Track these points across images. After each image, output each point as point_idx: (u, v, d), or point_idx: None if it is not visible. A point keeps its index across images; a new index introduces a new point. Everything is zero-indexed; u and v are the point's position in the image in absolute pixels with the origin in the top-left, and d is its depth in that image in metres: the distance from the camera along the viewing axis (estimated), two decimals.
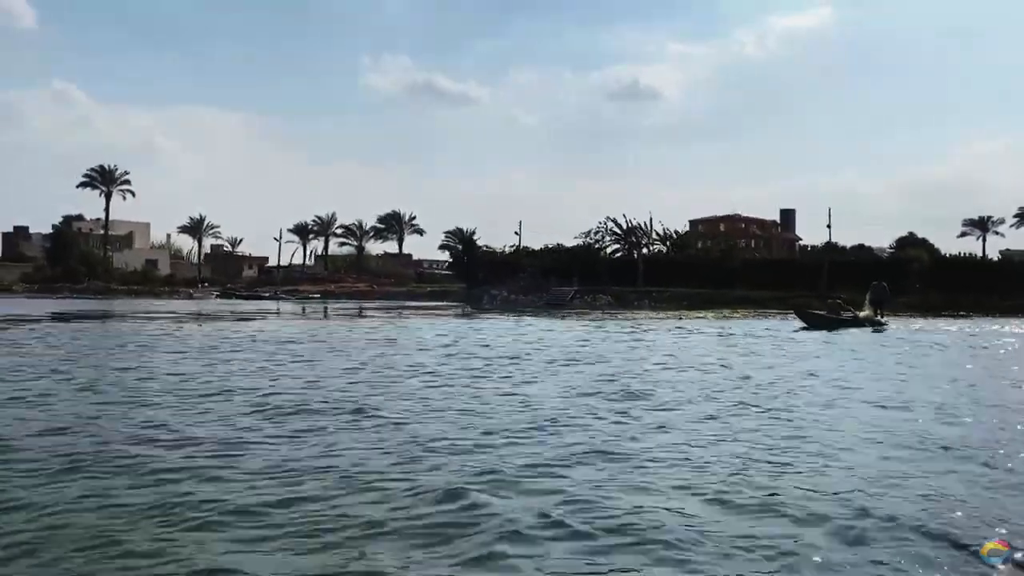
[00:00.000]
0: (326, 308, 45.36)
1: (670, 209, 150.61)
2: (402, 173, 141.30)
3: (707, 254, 65.37)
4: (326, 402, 8.68)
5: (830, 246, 71.54)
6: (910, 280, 53.35)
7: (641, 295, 56.13)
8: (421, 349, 16.17)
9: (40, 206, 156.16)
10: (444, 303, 54.26)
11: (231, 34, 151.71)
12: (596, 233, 63.67)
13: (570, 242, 67.22)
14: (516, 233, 67.24)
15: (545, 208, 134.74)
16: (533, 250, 67.40)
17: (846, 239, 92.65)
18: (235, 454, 6.07)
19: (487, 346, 16.69)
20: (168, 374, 11.18)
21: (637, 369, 12.74)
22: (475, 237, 77.91)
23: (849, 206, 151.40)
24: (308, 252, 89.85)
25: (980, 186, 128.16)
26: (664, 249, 67.40)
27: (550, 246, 66.66)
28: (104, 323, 25.23)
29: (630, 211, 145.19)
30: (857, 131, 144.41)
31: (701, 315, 35.86)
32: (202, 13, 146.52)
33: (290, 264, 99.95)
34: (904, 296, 47.90)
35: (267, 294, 65.49)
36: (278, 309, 42.31)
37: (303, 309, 43.64)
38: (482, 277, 63.76)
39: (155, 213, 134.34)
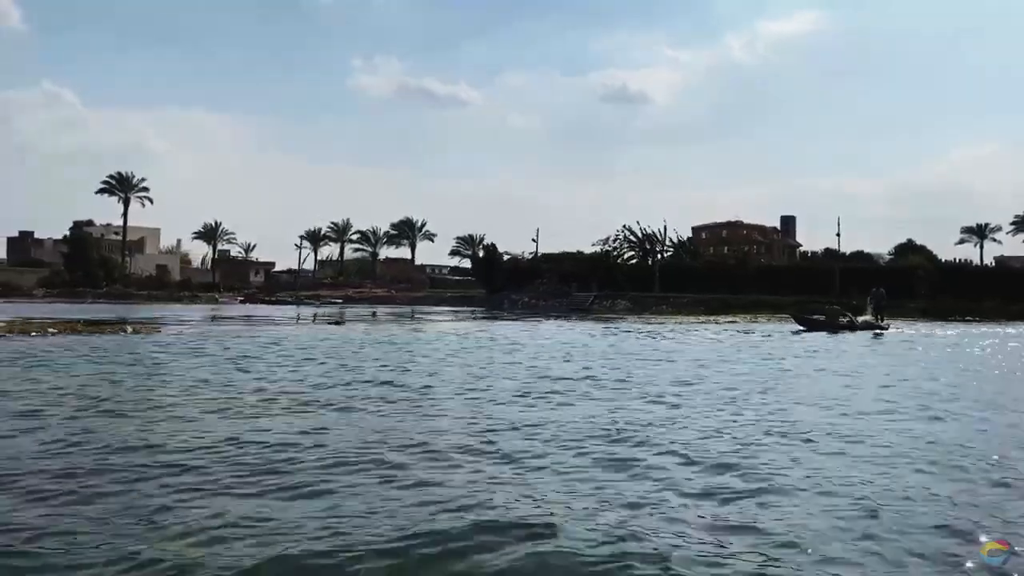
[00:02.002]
0: (416, 313, 46.88)
1: (664, 212, 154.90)
2: (398, 176, 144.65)
3: (722, 260, 68.79)
4: None
5: (838, 254, 75.31)
6: (917, 286, 56.56)
7: (659, 300, 59.23)
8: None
9: (37, 210, 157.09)
10: (478, 308, 56.83)
11: (222, 36, 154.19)
12: (614, 241, 67.14)
13: (574, 245, 70.92)
14: (533, 240, 70.72)
15: (543, 211, 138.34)
16: (551, 255, 70.67)
17: (831, 242, 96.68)
18: None
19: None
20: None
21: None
22: (485, 242, 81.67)
23: (841, 210, 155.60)
24: (315, 258, 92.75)
25: (972, 190, 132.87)
26: (681, 256, 70.87)
27: (570, 252, 70.10)
28: (250, 325, 27.77)
29: (625, 213, 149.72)
30: (848, 135, 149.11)
31: (732, 319, 39.01)
32: (191, 16, 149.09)
33: (301, 269, 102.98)
34: (913, 302, 51.49)
35: (290, 299, 68.06)
36: (372, 314, 42.63)
37: (374, 314, 43.60)
38: (502, 283, 66.78)
39: (147, 217, 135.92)
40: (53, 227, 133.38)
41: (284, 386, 10.65)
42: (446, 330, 26.79)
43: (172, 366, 13.05)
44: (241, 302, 68.37)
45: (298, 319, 33.90)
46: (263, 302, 66.71)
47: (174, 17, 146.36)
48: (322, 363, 13.97)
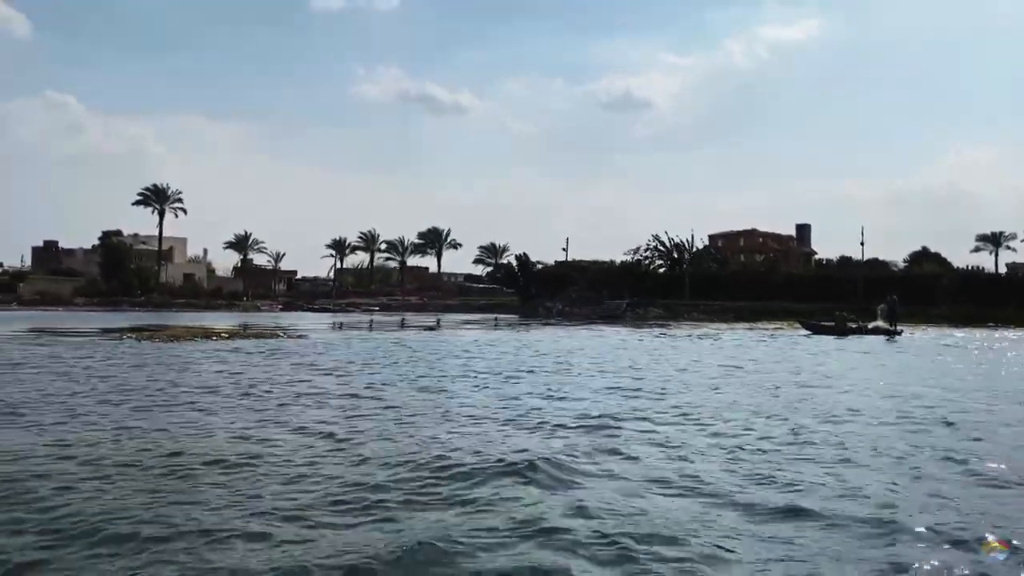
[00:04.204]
0: (502, 321, 50.79)
1: (671, 217, 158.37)
2: (403, 183, 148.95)
3: (750, 269, 72.53)
4: None
5: (852, 261, 79.09)
6: (938, 293, 60.08)
7: (690, 308, 62.72)
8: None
9: (54, 219, 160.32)
10: (511, 316, 60.22)
11: (224, 44, 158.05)
12: (646, 250, 71.06)
13: (585, 252, 74.39)
14: (563, 249, 74.52)
15: (548, 217, 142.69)
16: (579, 263, 74.42)
17: (839, 249, 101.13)
18: None
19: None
20: None
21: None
22: (508, 251, 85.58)
23: (846, 216, 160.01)
24: (340, 266, 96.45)
25: (975, 195, 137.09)
26: (707, 265, 74.73)
27: (599, 260, 73.97)
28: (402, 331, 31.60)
29: (629, 218, 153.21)
30: (851, 140, 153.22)
31: (777, 325, 42.63)
32: (196, 24, 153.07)
33: (318, 278, 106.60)
34: (936, 308, 55.13)
35: (330, 307, 71.52)
36: (438, 322, 46.23)
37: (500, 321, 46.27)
38: (535, 291, 70.37)
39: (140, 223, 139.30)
40: (71, 236, 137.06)
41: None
42: (561, 335, 30.18)
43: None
44: (280, 310, 71.79)
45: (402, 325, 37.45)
46: (303, 309, 70.16)
47: (179, 26, 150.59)
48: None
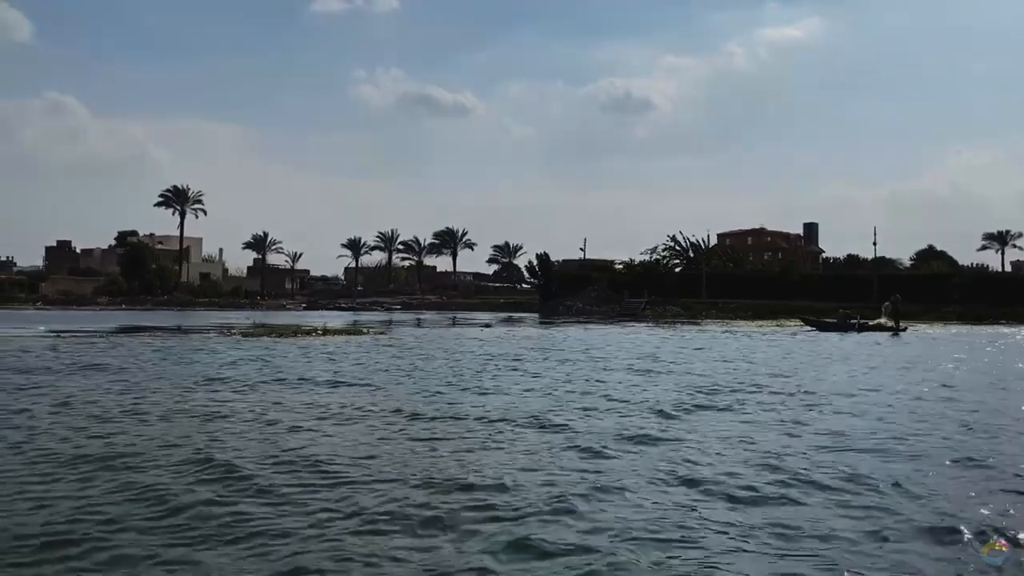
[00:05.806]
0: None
1: (676, 218, 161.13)
2: (402, 183, 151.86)
3: (767, 268, 75.39)
4: None
5: (860, 259, 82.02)
6: (950, 292, 62.84)
7: (708, 306, 65.26)
8: None
9: (55, 219, 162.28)
10: (531, 314, 62.87)
11: (224, 47, 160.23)
12: (664, 250, 73.94)
13: (597, 252, 76.94)
14: (581, 249, 77.37)
15: (552, 218, 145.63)
16: (597, 263, 77.21)
17: (845, 247, 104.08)
18: None
19: None
20: None
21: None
22: (519, 250, 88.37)
23: (848, 217, 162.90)
24: (356, 266, 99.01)
25: (975, 195, 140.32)
26: (723, 264, 77.69)
27: (616, 260, 76.87)
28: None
29: (631, 219, 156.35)
30: (853, 142, 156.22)
31: (797, 322, 45.32)
32: (197, 27, 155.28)
33: (327, 277, 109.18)
34: (948, 307, 57.90)
35: (356, 306, 74.02)
36: (453, 320, 48.99)
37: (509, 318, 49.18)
38: (556, 290, 73.08)
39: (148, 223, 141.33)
40: (76, 237, 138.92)
41: None
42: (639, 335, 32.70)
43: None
44: (304, 308, 74.20)
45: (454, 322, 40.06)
46: (328, 308, 72.51)
47: (180, 28, 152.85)
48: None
